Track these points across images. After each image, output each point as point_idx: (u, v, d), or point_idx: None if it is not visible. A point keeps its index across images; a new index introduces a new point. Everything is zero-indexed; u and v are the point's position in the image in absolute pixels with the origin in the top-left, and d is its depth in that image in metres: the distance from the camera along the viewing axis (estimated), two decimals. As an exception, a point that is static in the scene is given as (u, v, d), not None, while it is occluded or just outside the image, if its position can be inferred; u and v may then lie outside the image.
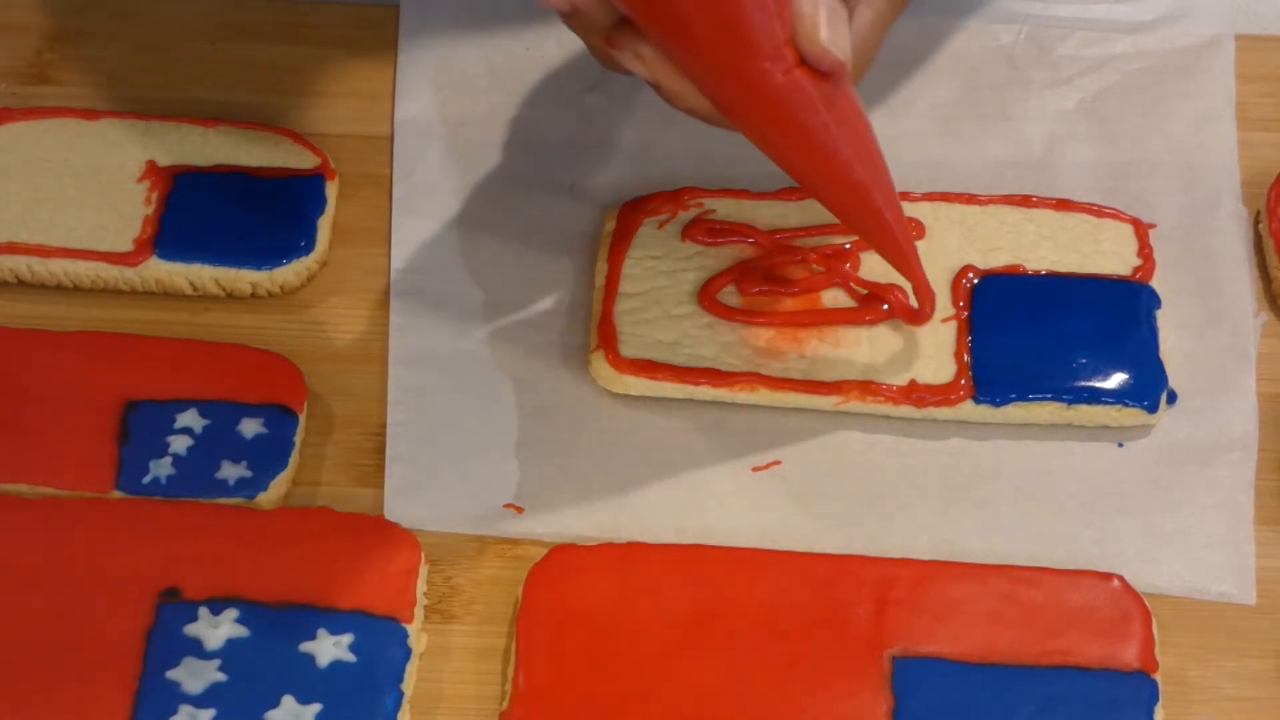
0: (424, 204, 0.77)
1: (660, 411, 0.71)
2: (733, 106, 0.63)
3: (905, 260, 0.68)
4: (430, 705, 0.65)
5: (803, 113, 0.62)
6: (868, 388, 0.70)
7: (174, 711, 0.63)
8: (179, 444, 0.69)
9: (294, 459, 0.70)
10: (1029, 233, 0.74)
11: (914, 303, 0.70)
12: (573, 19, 0.63)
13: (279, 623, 0.65)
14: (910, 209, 0.74)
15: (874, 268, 0.73)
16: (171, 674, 0.64)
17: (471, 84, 0.80)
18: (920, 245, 0.73)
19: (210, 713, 0.63)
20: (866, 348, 0.71)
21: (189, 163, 0.76)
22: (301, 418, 0.70)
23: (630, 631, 0.65)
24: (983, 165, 0.77)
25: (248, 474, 0.69)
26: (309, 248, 0.74)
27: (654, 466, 0.70)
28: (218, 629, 0.64)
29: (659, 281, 0.73)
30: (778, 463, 0.70)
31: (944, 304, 0.72)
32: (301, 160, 0.77)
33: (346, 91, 0.80)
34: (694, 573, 0.66)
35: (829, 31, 0.60)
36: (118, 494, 0.68)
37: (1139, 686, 0.64)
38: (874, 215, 0.66)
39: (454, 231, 0.76)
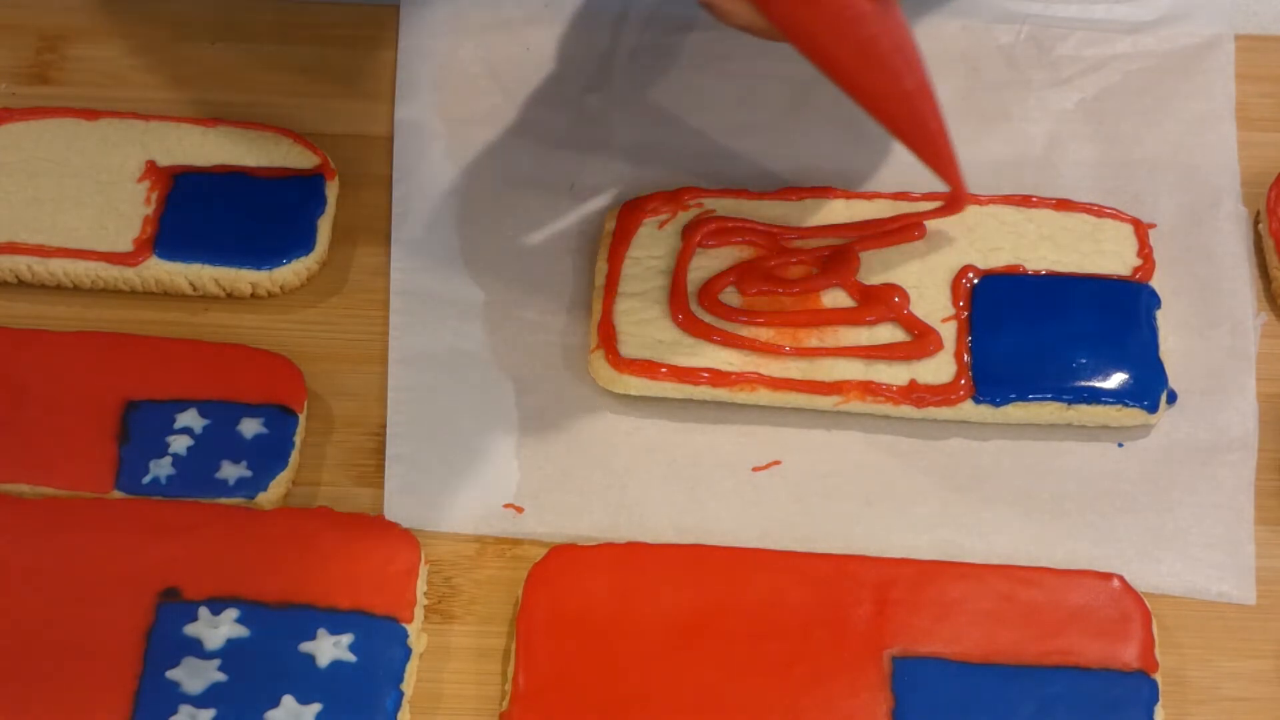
0: (424, 204, 0.77)
1: (660, 411, 0.71)
2: (790, 21, 0.65)
3: (947, 165, 0.70)
4: (430, 705, 0.65)
5: (857, 24, 0.65)
6: (868, 388, 0.70)
7: (174, 711, 0.63)
8: (179, 444, 0.69)
9: (294, 459, 0.70)
10: (1029, 233, 0.74)
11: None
12: None
13: (279, 623, 0.65)
14: (910, 209, 0.74)
15: (874, 268, 0.73)
16: (171, 674, 0.64)
17: (471, 84, 0.80)
18: (920, 245, 0.73)
19: (210, 713, 0.63)
20: (866, 348, 0.71)
21: (189, 163, 0.76)
22: (301, 418, 0.70)
23: (630, 631, 0.65)
24: (983, 165, 0.77)
25: (248, 474, 0.69)
26: (309, 248, 0.74)
27: (654, 466, 0.70)
28: (218, 629, 0.64)
29: (659, 281, 0.73)
30: (778, 463, 0.70)
31: (944, 304, 0.72)
32: (301, 160, 0.77)
33: (346, 91, 0.80)
34: (694, 573, 0.66)
35: None
36: (118, 494, 0.68)
37: (1139, 686, 0.64)
38: (921, 123, 0.68)
39: (454, 231, 0.76)
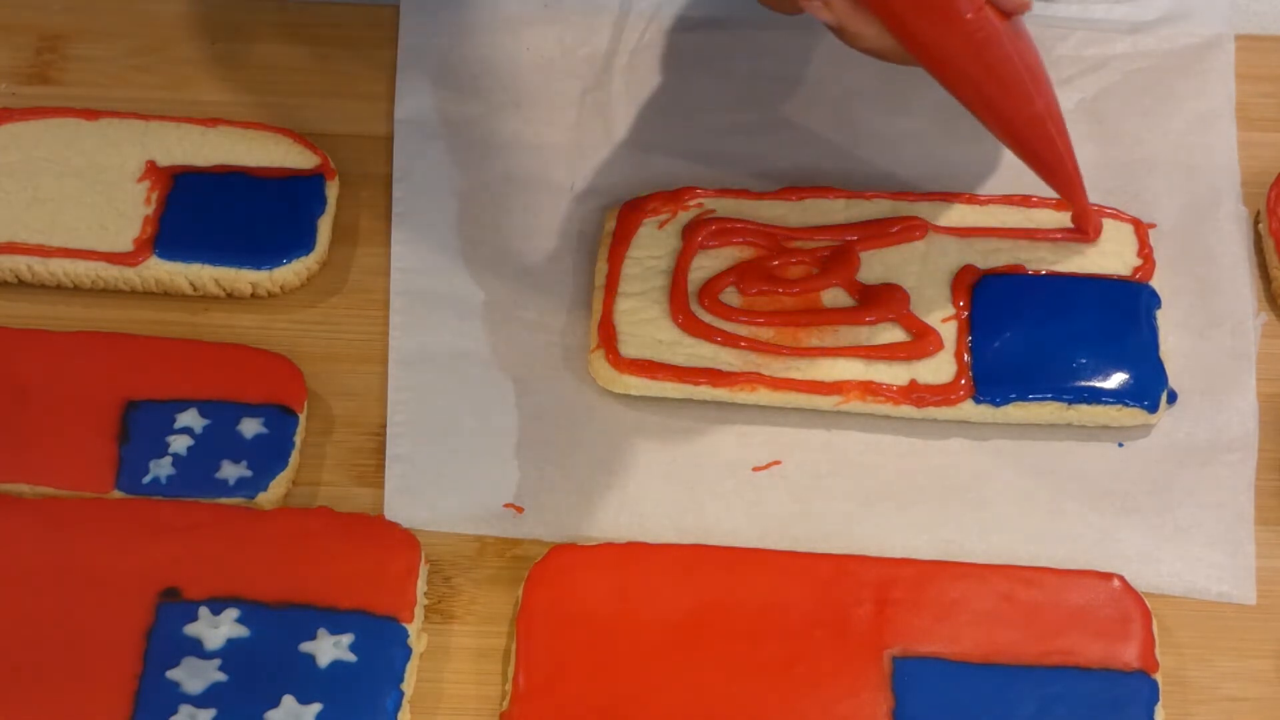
0: (424, 204, 0.77)
1: (660, 411, 0.71)
2: (921, 44, 0.66)
3: (1072, 187, 0.71)
4: (430, 705, 0.65)
5: (989, 47, 0.66)
6: (868, 388, 0.70)
7: (174, 711, 0.63)
8: (179, 444, 0.69)
9: (294, 459, 0.70)
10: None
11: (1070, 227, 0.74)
12: None
13: (279, 623, 0.65)
14: (910, 209, 0.74)
15: (874, 268, 0.73)
16: (171, 674, 0.64)
17: (471, 84, 0.80)
18: (920, 245, 0.73)
19: (210, 713, 0.63)
20: (866, 348, 0.71)
21: (189, 163, 0.76)
22: (301, 418, 0.70)
23: (630, 631, 0.65)
24: (983, 165, 0.77)
25: (248, 474, 0.69)
26: (309, 248, 0.74)
27: (654, 467, 0.70)
28: (218, 629, 0.64)
29: (659, 281, 0.73)
30: (778, 463, 0.70)
31: (944, 304, 0.72)
32: (301, 160, 0.77)
33: (346, 91, 0.80)
34: (694, 573, 0.66)
35: None
36: (118, 494, 0.68)
37: (1139, 686, 0.64)
38: (1049, 144, 0.70)
39: (454, 231, 0.76)
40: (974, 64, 0.67)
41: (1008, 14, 0.66)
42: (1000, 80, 0.68)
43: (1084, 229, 0.73)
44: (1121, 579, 0.66)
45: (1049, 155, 0.70)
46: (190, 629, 0.65)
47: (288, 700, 0.63)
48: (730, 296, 0.72)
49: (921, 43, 0.66)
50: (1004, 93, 0.68)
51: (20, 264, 0.74)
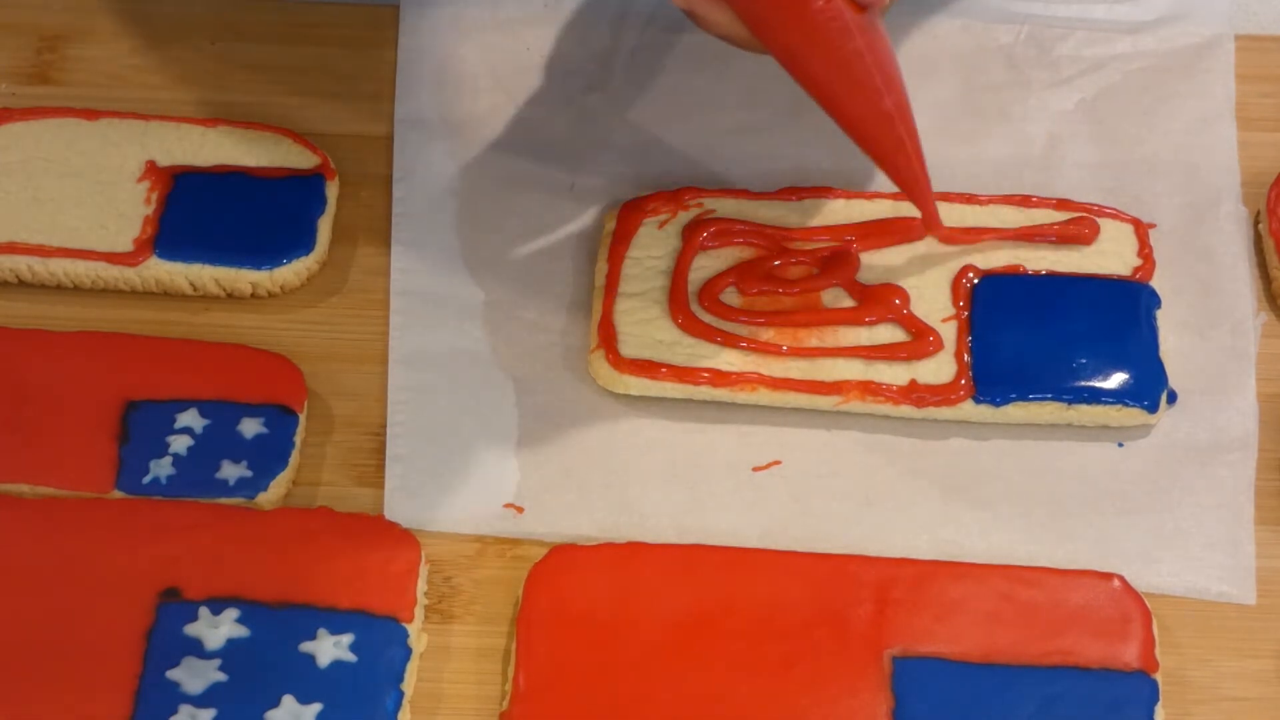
0: (424, 204, 0.77)
1: (660, 411, 0.71)
2: (771, 32, 0.65)
3: (919, 189, 0.70)
4: (430, 705, 0.65)
5: (839, 38, 0.64)
6: (868, 388, 0.70)
7: (174, 711, 0.63)
8: (179, 444, 0.69)
9: (294, 459, 0.70)
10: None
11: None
12: None
13: (279, 623, 0.65)
14: (910, 209, 0.74)
15: (874, 268, 0.73)
16: (171, 674, 0.64)
17: (471, 84, 0.80)
18: (920, 245, 0.73)
19: (210, 713, 0.63)
20: (866, 348, 0.71)
21: (189, 163, 0.76)
22: (301, 418, 0.70)
23: (630, 631, 0.65)
24: (983, 165, 0.77)
25: (248, 474, 0.69)
26: (309, 248, 0.74)
27: (654, 466, 0.70)
28: (218, 629, 0.64)
29: (659, 281, 0.73)
30: (778, 463, 0.70)
31: (944, 304, 0.72)
32: (301, 160, 0.77)
33: (346, 91, 0.80)
34: (694, 573, 0.66)
35: None
36: (118, 494, 0.68)
37: (1139, 686, 0.64)
38: (897, 144, 0.67)
39: (454, 231, 0.76)
40: (821, 56, 0.65)
41: (862, 7, 0.64)
42: (849, 75, 0.66)
43: (933, 233, 0.72)
44: (1121, 579, 0.66)
45: (896, 156, 0.68)
46: (190, 629, 0.65)
47: (288, 700, 0.63)
48: (730, 296, 0.72)
49: (770, 30, 0.65)
50: (852, 88, 0.66)
51: (20, 264, 0.74)
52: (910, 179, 0.69)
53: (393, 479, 0.70)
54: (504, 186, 0.77)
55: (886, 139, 0.67)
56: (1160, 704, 0.63)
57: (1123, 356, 0.70)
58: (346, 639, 0.64)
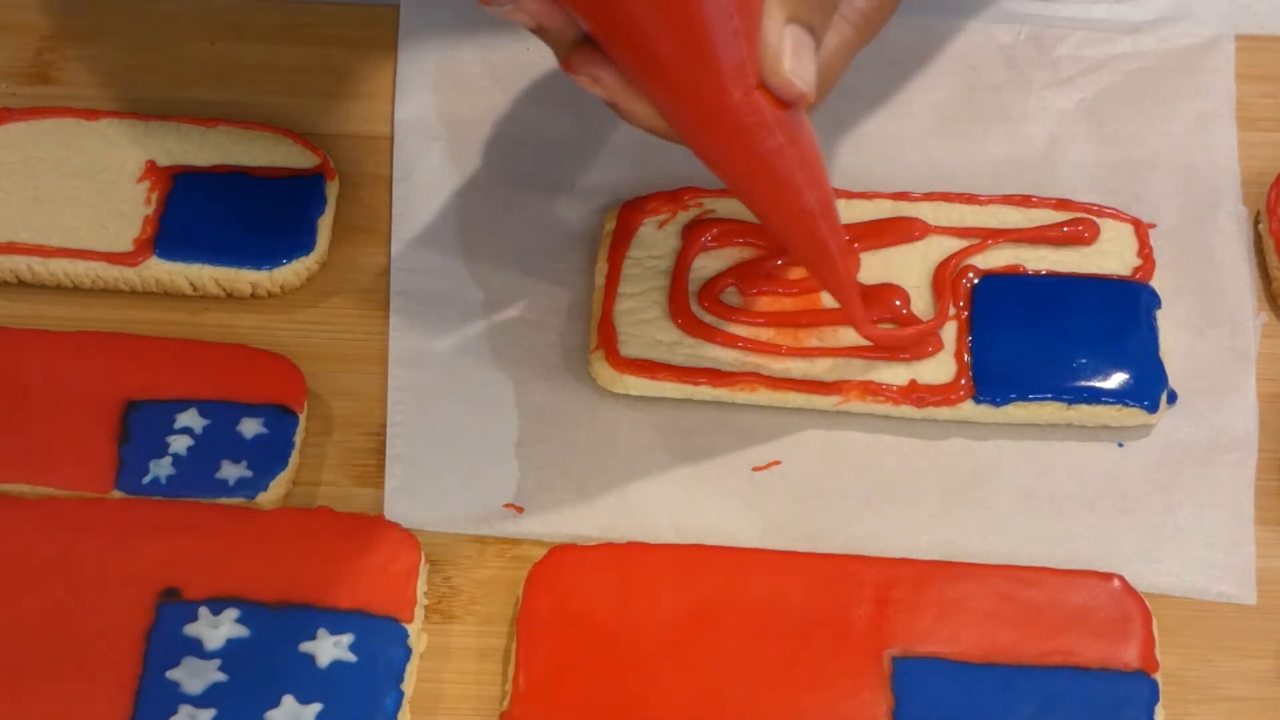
0: (424, 204, 0.77)
1: (660, 411, 0.71)
2: (689, 125, 0.63)
3: (844, 290, 0.68)
4: (430, 705, 0.65)
5: (758, 133, 0.61)
6: (868, 388, 0.70)
7: (174, 711, 0.63)
8: (179, 444, 0.69)
9: (294, 459, 0.70)
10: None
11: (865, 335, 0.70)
12: (539, 34, 0.63)
13: (279, 623, 0.65)
14: (910, 209, 0.74)
15: (874, 268, 0.73)
16: (171, 674, 0.64)
17: (471, 84, 0.80)
18: (920, 245, 0.73)
19: (210, 713, 0.63)
20: (867, 348, 0.71)
21: (189, 163, 0.76)
22: (301, 418, 0.70)
23: (630, 631, 0.65)
24: (983, 165, 0.77)
25: (248, 474, 0.69)
26: (309, 248, 0.74)
27: (654, 466, 0.70)
28: (218, 629, 0.64)
29: (659, 281, 0.73)
30: (778, 463, 0.70)
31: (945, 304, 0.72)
32: (301, 160, 0.77)
33: (346, 91, 0.80)
34: (694, 573, 0.66)
35: (793, 62, 0.61)
36: (118, 494, 0.68)
37: (1139, 686, 0.64)
38: (818, 243, 0.66)
39: (454, 232, 0.76)
40: (740, 149, 0.62)
41: (784, 104, 0.61)
42: (769, 171, 0.63)
43: (859, 332, 0.70)
44: (1121, 579, 0.66)
45: (818, 254, 0.67)
46: (190, 629, 0.65)
47: (288, 700, 0.63)
48: (730, 296, 0.72)
49: (687, 122, 0.63)
50: (770, 185, 0.64)
51: (20, 264, 0.74)
52: (831, 274, 0.68)
53: (393, 479, 0.70)
54: (504, 186, 0.77)
55: (805, 235, 0.66)
56: (1160, 704, 0.63)
57: (1123, 356, 0.70)
58: (346, 639, 0.64)
